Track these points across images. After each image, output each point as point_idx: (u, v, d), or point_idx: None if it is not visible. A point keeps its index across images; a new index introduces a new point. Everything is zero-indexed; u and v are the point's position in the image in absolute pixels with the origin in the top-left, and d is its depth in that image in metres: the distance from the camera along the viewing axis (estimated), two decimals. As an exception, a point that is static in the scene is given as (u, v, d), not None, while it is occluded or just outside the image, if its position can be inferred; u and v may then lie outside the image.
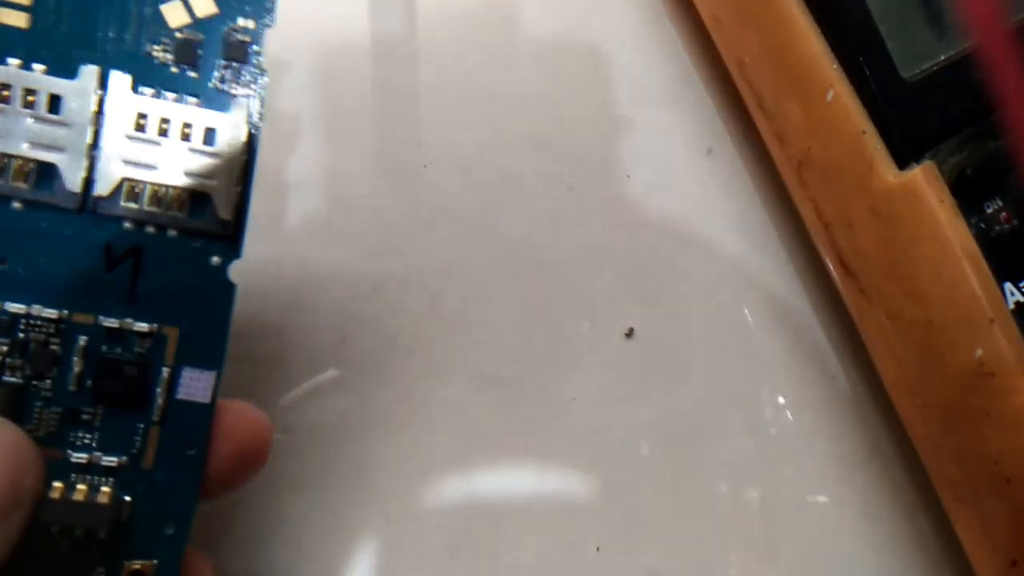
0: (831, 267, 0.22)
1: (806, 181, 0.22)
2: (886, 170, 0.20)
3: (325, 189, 0.23)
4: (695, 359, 0.23)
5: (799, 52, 0.21)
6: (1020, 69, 0.08)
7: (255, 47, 0.14)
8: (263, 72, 0.14)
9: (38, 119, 0.13)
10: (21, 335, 0.13)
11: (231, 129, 0.14)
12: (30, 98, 0.13)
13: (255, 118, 0.14)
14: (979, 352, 0.19)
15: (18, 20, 0.13)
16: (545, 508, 0.22)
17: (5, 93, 0.13)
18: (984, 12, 0.09)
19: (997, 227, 0.20)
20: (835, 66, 0.20)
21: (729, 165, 0.25)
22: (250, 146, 0.14)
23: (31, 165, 0.13)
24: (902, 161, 0.20)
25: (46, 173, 0.13)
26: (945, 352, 0.19)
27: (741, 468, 0.23)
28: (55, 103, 0.13)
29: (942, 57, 0.20)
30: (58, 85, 0.13)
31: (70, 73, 0.13)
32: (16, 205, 0.13)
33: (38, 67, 0.13)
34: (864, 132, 0.20)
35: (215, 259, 0.14)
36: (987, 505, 0.19)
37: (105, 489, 0.13)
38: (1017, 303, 0.19)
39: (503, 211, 0.23)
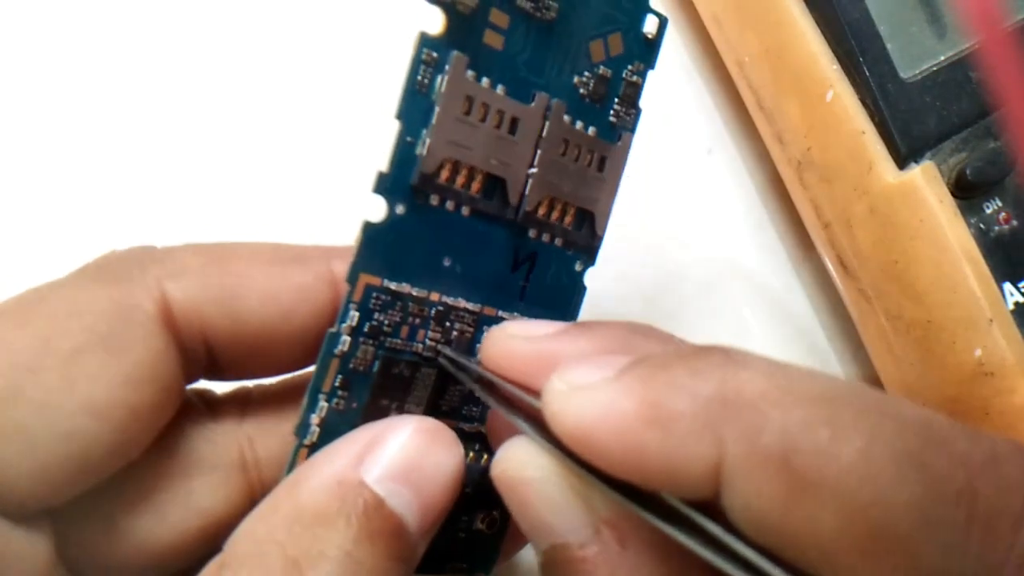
0: (831, 267, 0.22)
1: (806, 181, 0.22)
2: (886, 170, 0.20)
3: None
4: (695, 359, 0.23)
5: (799, 52, 0.21)
6: (1020, 69, 0.08)
7: (640, 90, 0.16)
8: (640, 112, 0.16)
9: (500, 138, 0.14)
10: (448, 324, 0.15)
11: (615, 159, 0.16)
12: (496, 117, 0.14)
13: (628, 152, 0.16)
14: (978, 352, 0.19)
15: (496, 42, 0.14)
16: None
17: (481, 111, 0.14)
18: (984, 12, 0.09)
19: (996, 227, 0.20)
20: (835, 66, 0.20)
21: (729, 165, 0.25)
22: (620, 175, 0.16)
23: (484, 177, 0.14)
24: (902, 161, 0.20)
25: (491, 185, 0.15)
26: (945, 352, 0.19)
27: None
28: (514, 124, 0.14)
29: (942, 57, 0.20)
30: (519, 109, 0.14)
31: (525, 97, 0.14)
32: (465, 211, 0.14)
33: (500, 88, 0.14)
34: (864, 132, 0.20)
35: (578, 266, 0.16)
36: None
37: (485, 457, 0.16)
38: (1016, 303, 0.19)
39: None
